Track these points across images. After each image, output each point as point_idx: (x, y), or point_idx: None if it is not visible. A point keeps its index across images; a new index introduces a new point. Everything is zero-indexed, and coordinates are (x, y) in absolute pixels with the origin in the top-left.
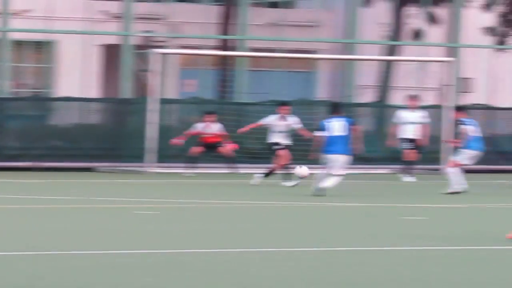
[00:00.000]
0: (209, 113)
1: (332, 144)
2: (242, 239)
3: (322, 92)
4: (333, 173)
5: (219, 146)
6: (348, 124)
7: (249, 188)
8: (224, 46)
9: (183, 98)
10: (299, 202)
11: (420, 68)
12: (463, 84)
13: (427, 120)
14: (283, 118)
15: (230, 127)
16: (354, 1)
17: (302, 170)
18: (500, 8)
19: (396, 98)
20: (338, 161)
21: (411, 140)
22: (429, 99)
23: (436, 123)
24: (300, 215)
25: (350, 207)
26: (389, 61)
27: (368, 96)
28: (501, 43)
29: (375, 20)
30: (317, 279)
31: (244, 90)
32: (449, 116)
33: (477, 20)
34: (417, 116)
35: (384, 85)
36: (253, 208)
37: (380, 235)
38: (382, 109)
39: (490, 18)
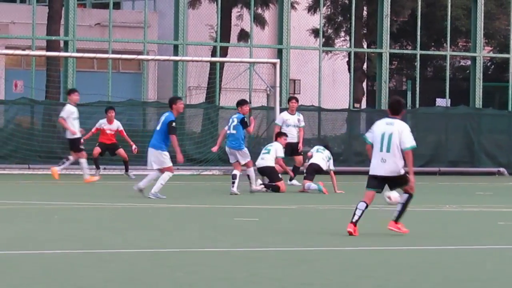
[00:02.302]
0: (111, 108)
1: (152, 138)
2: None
3: (151, 93)
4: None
5: (116, 148)
6: (167, 121)
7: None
8: (52, 47)
9: (10, 99)
10: (132, 203)
11: (248, 69)
12: (291, 85)
13: (303, 123)
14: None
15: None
16: (182, 3)
17: None
18: (326, 10)
19: (225, 99)
20: (151, 155)
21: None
22: (258, 100)
23: (264, 124)
24: (133, 216)
25: (181, 208)
26: (217, 63)
27: (197, 98)
28: (328, 44)
29: (203, 21)
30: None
31: None
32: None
33: (304, 22)
34: (296, 119)
35: (213, 86)
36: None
37: (213, 237)
38: (211, 110)
39: (316, 20)
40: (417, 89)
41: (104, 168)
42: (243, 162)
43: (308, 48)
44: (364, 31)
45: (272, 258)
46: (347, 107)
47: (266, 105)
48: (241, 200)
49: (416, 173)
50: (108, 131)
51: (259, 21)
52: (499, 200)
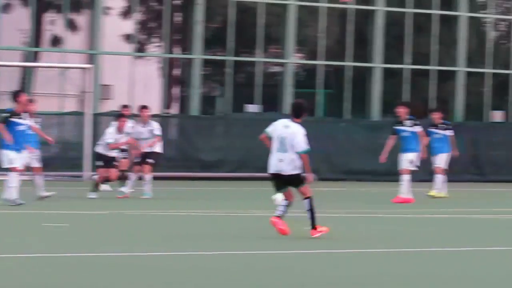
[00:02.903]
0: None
1: None
2: None
3: None
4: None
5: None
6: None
7: None
8: None
9: None
10: None
11: (61, 74)
12: (103, 91)
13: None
14: None
15: None
16: None
17: None
18: (139, 16)
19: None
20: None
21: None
22: (70, 105)
23: (77, 130)
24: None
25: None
26: (29, 68)
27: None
28: (140, 50)
29: (15, 26)
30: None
31: None
32: (90, 122)
33: (116, 27)
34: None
35: (25, 91)
36: None
37: (18, 243)
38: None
39: (129, 26)
40: (229, 95)
41: None
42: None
43: (121, 54)
44: (178, 37)
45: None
46: (159, 113)
47: (78, 110)
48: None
49: (227, 179)
50: None
51: (72, 26)
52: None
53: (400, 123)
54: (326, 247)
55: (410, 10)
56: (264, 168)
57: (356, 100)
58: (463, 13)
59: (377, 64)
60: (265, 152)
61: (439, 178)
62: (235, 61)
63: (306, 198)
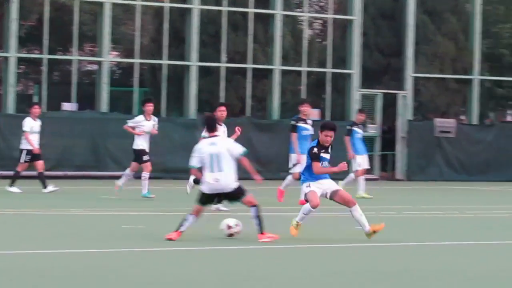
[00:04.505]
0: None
1: None
2: None
3: None
4: None
5: None
6: None
7: None
8: None
9: None
10: None
11: None
12: None
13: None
14: None
15: None
16: None
17: None
18: None
19: None
20: None
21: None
22: None
23: None
24: None
25: None
26: None
27: None
28: None
29: None
30: None
31: None
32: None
33: None
34: (38, 125)
35: None
36: None
37: None
38: None
39: None
40: (44, 93)
41: None
42: None
43: None
44: None
45: None
46: None
47: None
48: None
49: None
50: None
51: None
52: (123, 204)
53: (303, 121)
54: (142, 246)
55: (225, 8)
56: (81, 167)
57: (172, 99)
58: (278, 12)
59: (193, 63)
60: (82, 150)
61: (360, 179)
62: (50, 59)
63: (253, 206)
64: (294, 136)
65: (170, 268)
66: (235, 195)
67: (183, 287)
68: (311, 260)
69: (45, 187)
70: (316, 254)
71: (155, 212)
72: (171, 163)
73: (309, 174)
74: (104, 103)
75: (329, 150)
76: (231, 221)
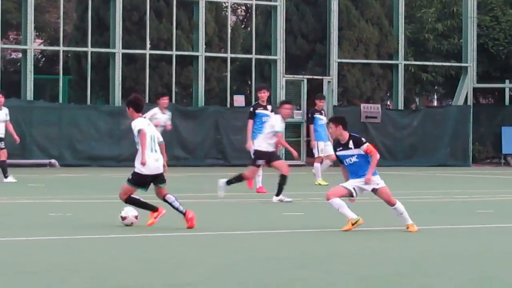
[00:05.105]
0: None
1: None
2: None
3: None
4: None
5: None
6: None
7: None
8: None
9: None
10: None
11: None
12: None
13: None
14: None
15: None
16: None
17: None
18: None
19: None
20: None
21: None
22: None
23: None
24: None
25: None
26: None
27: None
28: None
29: None
30: None
31: None
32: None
33: None
34: (3, 113)
35: None
36: None
37: None
38: None
39: None
40: None
41: None
42: None
43: None
44: None
45: None
46: None
47: None
48: None
49: None
50: None
51: None
52: (51, 192)
53: (263, 107)
54: (63, 234)
55: None
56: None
57: (97, 86)
58: None
59: (117, 50)
60: (7, 138)
61: (321, 165)
62: None
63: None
64: (250, 122)
65: (98, 256)
66: (161, 178)
67: (109, 274)
68: (235, 246)
69: (6, 176)
70: (238, 241)
71: (82, 200)
72: (96, 150)
73: None
74: (29, 91)
75: (350, 146)
76: (126, 212)
